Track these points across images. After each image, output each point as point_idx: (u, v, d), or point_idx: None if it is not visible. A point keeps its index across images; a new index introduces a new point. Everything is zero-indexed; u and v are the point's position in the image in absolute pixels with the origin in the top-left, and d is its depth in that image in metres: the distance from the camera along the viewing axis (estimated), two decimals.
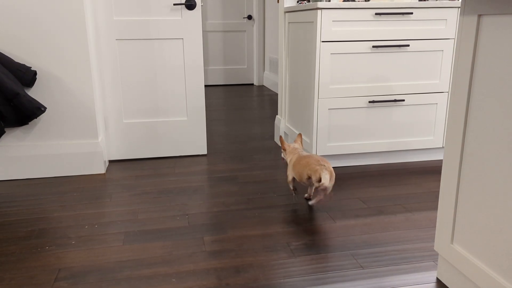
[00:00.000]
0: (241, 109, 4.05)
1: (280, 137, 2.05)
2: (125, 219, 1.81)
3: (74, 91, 2.26)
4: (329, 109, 2.28)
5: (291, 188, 1.98)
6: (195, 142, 2.64)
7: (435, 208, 1.89)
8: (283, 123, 2.83)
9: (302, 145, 2.04)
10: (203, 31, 5.38)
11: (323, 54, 2.20)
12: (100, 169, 2.36)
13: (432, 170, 2.35)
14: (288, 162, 1.96)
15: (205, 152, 2.68)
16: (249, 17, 5.45)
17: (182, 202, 1.98)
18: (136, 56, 2.44)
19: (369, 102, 2.30)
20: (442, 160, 2.53)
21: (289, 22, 2.61)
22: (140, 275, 1.41)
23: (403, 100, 2.33)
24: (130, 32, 2.40)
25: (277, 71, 5.05)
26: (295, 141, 2.05)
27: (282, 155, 2.05)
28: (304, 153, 1.91)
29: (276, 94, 4.90)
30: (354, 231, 1.69)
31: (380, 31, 2.22)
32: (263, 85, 5.61)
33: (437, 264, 1.44)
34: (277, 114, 3.70)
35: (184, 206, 1.94)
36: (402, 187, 2.13)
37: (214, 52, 5.48)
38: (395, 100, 2.32)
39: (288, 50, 2.66)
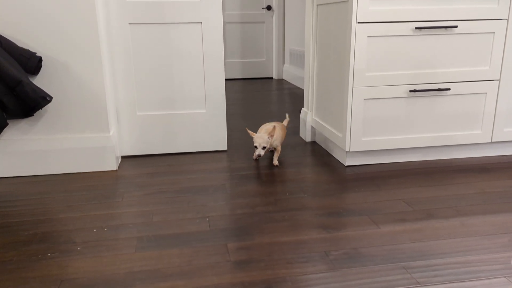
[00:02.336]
0: (261, 103, 3.82)
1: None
2: (138, 222, 1.60)
3: (83, 80, 2.05)
4: (364, 99, 2.04)
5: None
6: (215, 137, 2.42)
7: (493, 211, 1.64)
8: (310, 117, 2.59)
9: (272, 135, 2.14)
10: None
11: (359, 37, 1.95)
12: (112, 165, 2.15)
13: (480, 168, 2.09)
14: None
15: (225, 148, 2.45)
16: (269, 8, 5.21)
17: (201, 203, 1.76)
18: (150, 42, 2.23)
19: (410, 91, 2.05)
20: (490, 157, 2.26)
21: (317, 5, 2.36)
22: None
23: (449, 89, 2.07)
24: (144, 16, 2.19)
25: (298, 64, 4.80)
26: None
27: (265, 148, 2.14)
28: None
29: (297, 88, 4.65)
30: (403, 238, 1.45)
31: (423, 10, 1.96)
32: (282, 79, 5.37)
33: None
34: (302, 107, 3.46)
35: (204, 207, 1.72)
36: (450, 187, 1.88)
37: (232, 45, 5.25)
38: (439, 89, 2.06)
39: (316, 36, 2.42)
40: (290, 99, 4.04)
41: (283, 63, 5.41)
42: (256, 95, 4.23)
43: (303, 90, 4.51)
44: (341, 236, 1.47)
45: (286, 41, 5.29)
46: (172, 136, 2.38)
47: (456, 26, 1.99)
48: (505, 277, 1.23)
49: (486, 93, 2.12)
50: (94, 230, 1.54)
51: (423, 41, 2.01)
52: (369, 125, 2.08)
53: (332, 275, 1.25)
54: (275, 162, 2.19)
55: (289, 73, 5.12)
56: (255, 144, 2.11)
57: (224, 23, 5.20)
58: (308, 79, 2.56)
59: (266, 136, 2.11)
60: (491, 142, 2.24)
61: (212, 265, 1.31)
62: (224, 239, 1.47)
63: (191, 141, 2.40)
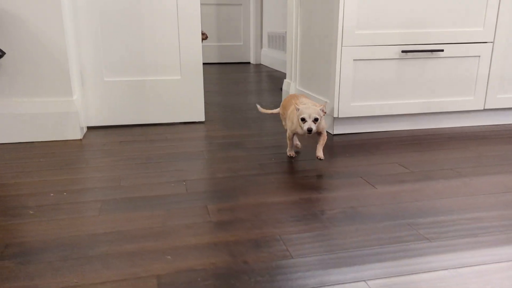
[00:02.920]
0: (240, 83, 3.64)
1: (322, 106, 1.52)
2: (104, 186, 1.40)
3: (42, 37, 1.83)
4: (354, 60, 1.88)
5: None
6: (191, 106, 2.22)
7: (495, 172, 1.51)
8: (293, 87, 2.43)
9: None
10: None
11: None
12: (76, 134, 1.93)
13: (474, 136, 1.97)
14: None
15: (203, 119, 2.26)
16: None
17: (177, 168, 1.57)
18: None
19: (402, 51, 1.91)
20: (482, 126, 2.15)
21: None
22: (120, 251, 1.00)
23: (442, 51, 1.94)
24: None
25: (277, 47, 4.64)
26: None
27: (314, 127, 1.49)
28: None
29: (277, 71, 4.49)
30: (403, 198, 1.30)
31: None
32: (260, 64, 5.20)
33: None
34: (282, 86, 3.31)
35: (179, 172, 1.53)
36: (446, 151, 1.75)
37: (207, 27, 5.05)
38: (432, 51, 1.93)
39: None
40: (270, 80, 3.87)
41: (261, 47, 5.24)
42: (234, 77, 4.05)
43: (282, 73, 4.35)
44: (335, 197, 1.31)
45: (264, 24, 5.12)
46: (144, 105, 2.17)
47: None
48: None
49: (479, 56, 2.00)
50: (51, 195, 1.33)
51: None
52: (359, 89, 1.93)
53: (329, 233, 1.09)
54: (320, 154, 1.53)
55: (268, 57, 4.96)
56: (302, 116, 1.47)
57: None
58: (291, 47, 2.39)
59: (319, 107, 1.49)
60: (484, 110, 2.13)
61: (189, 225, 1.13)
62: (203, 201, 1.28)
63: (165, 111, 2.20)
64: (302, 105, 1.50)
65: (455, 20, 1.93)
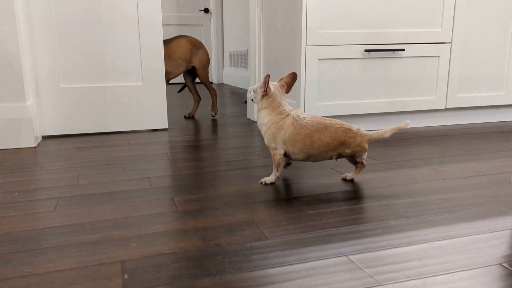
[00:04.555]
0: (203, 99, 3.58)
1: (267, 76, 1.23)
2: (60, 186, 1.29)
3: None
4: (318, 59, 1.88)
5: (279, 169, 1.28)
6: (153, 114, 2.14)
7: (463, 160, 1.51)
8: None
9: (287, 89, 1.31)
10: None
11: None
12: (29, 141, 1.81)
13: (439, 135, 2.00)
14: (267, 122, 1.26)
15: (166, 126, 2.19)
16: (206, 10, 5.06)
17: (140, 167, 1.48)
18: (76, 1, 1.95)
19: (365, 51, 1.93)
20: (445, 125, 2.19)
21: None
22: (79, 241, 0.91)
23: (403, 50, 1.97)
24: None
25: (239, 65, 4.65)
26: (279, 81, 1.32)
27: (252, 96, 1.32)
28: (300, 115, 1.25)
29: (239, 88, 4.48)
30: (377, 183, 1.27)
31: None
32: (223, 83, 5.18)
33: None
34: (249, 87, 3.28)
35: (143, 170, 1.44)
36: (412, 146, 1.75)
37: None
38: (394, 50, 1.96)
39: (262, 5, 2.26)
40: (233, 95, 3.85)
41: (223, 66, 5.24)
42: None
43: (245, 89, 4.34)
44: (308, 185, 1.26)
45: (225, 44, 5.14)
46: (104, 113, 2.07)
47: None
48: (499, 207, 1.08)
49: (439, 56, 2.05)
50: (1, 195, 1.21)
51: None
52: (324, 89, 1.92)
53: (306, 215, 1.03)
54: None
55: (230, 76, 4.95)
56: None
57: None
58: (254, 55, 2.38)
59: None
60: (446, 109, 2.17)
61: (155, 216, 1.05)
62: (169, 194, 1.20)
63: (126, 119, 2.11)
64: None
65: (415, 20, 1.97)
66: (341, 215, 1.03)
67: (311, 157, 1.23)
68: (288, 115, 1.24)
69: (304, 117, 1.23)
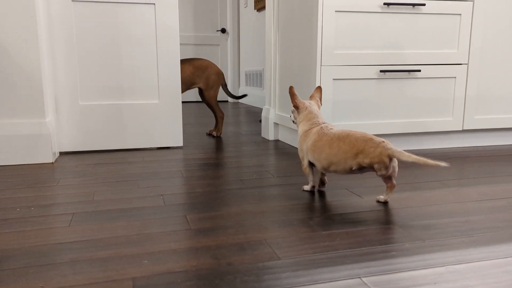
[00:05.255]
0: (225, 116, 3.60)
1: (291, 88, 1.35)
2: (75, 201, 1.30)
3: (15, 55, 1.77)
4: (333, 79, 1.89)
5: (310, 178, 1.36)
6: (169, 131, 2.17)
7: (480, 183, 1.49)
8: (272, 113, 2.41)
9: (321, 102, 1.42)
10: None
11: (327, 12, 1.83)
12: (47, 157, 1.84)
13: (455, 157, 1.97)
14: (300, 133, 1.36)
15: (181, 144, 2.20)
16: (223, 31, 5.14)
17: (154, 184, 1.49)
18: (96, 22, 2.00)
19: (380, 71, 1.93)
20: (463, 147, 2.16)
21: None
22: (92, 257, 0.91)
23: (419, 71, 1.97)
24: None
25: (254, 84, 4.69)
26: (311, 97, 1.42)
27: (292, 116, 1.42)
28: (329, 126, 1.30)
29: (254, 107, 4.51)
30: (393, 205, 1.25)
31: None
32: (238, 102, 5.22)
33: None
34: (264, 106, 3.30)
35: (157, 188, 1.45)
36: (430, 167, 1.73)
37: None
38: (409, 71, 1.95)
39: (278, 25, 2.29)
40: (248, 114, 3.87)
41: (239, 85, 5.29)
42: (211, 113, 4.03)
43: (261, 108, 4.36)
44: (322, 205, 1.25)
45: (241, 63, 5.19)
46: (121, 130, 2.10)
47: (424, 4, 1.91)
48: None
49: (455, 77, 2.04)
50: (17, 209, 1.23)
51: (393, 19, 1.91)
52: (339, 109, 1.92)
53: (319, 235, 1.02)
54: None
55: None
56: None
57: None
58: (270, 70, 2.40)
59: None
60: (463, 130, 2.14)
61: (168, 233, 1.05)
62: (182, 211, 1.21)
63: (142, 136, 2.13)
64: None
65: (430, 41, 1.97)
66: (355, 236, 1.02)
67: (332, 165, 1.23)
68: (318, 125, 1.30)
69: (331, 128, 1.28)
